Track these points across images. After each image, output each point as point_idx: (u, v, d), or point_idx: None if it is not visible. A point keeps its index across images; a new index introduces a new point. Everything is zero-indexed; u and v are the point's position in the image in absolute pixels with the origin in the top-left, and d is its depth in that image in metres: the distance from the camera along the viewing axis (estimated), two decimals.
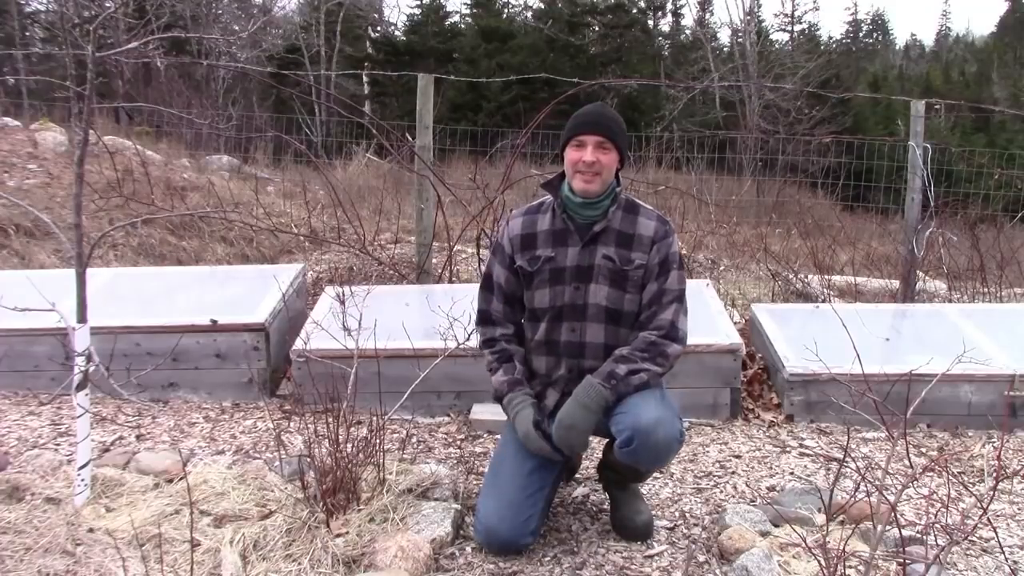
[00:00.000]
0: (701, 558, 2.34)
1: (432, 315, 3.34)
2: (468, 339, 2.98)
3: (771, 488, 2.89)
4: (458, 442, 3.27)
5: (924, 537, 2.19)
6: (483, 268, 4.71)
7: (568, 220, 2.39)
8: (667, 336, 2.34)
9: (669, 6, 31.76)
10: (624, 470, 2.44)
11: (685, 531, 2.53)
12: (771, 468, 3.08)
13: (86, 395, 2.43)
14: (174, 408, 3.61)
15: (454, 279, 5.15)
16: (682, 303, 2.39)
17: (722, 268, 6.82)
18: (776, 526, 2.42)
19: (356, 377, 2.62)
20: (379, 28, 28.47)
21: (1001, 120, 25.64)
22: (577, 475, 2.86)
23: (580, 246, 2.36)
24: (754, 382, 3.85)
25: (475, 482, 2.78)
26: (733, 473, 3.02)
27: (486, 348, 2.52)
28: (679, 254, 2.44)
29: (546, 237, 2.40)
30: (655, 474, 2.94)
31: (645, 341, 2.34)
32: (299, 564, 2.14)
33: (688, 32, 31.18)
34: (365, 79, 23.77)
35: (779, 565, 2.17)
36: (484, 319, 2.53)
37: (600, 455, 2.66)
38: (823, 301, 5.08)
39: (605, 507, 2.64)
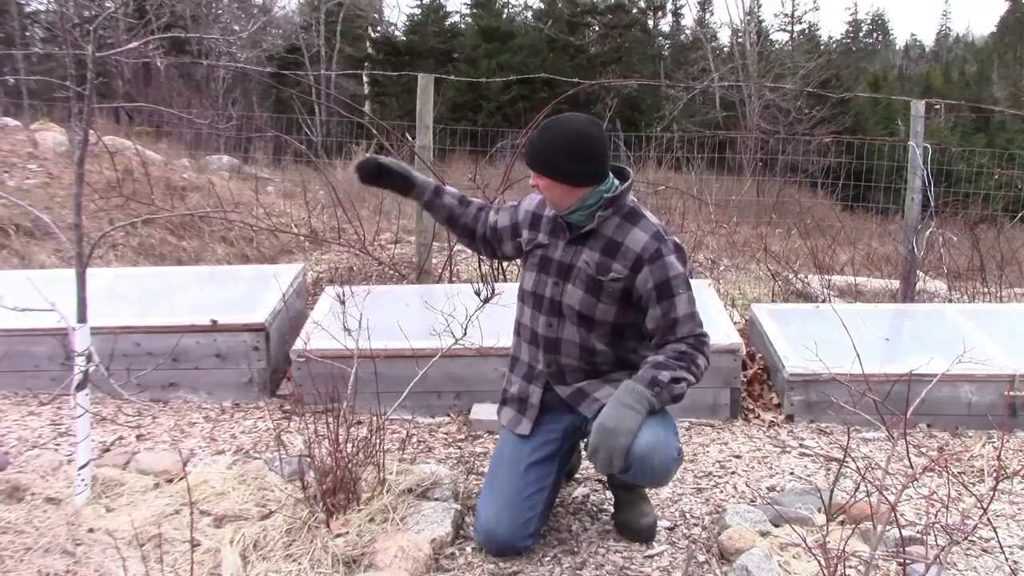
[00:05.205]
0: (701, 558, 2.35)
1: (432, 315, 3.33)
2: (465, 334, 2.98)
3: (771, 488, 2.89)
4: (458, 442, 3.27)
5: (924, 537, 2.18)
6: (483, 268, 4.75)
7: (561, 218, 2.41)
8: (695, 347, 2.28)
9: (669, 6, 31.80)
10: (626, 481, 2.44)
11: (685, 531, 2.53)
12: (771, 468, 3.08)
13: (86, 395, 2.43)
14: (174, 408, 3.61)
15: (454, 279, 5.14)
16: (697, 323, 2.30)
17: (722, 268, 6.82)
18: (776, 526, 2.42)
19: (356, 377, 2.61)
20: (379, 28, 28.49)
21: (1001, 120, 25.65)
22: (577, 475, 2.86)
23: (567, 242, 2.38)
24: (754, 382, 3.85)
25: (475, 482, 2.78)
26: (733, 473, 3.02)
27: None
28: (685, 276, 2.29)
29: (548, 225, 2.46)
30: None
31: (676, 351, 2.26)
32: (299, 564, 2.14)
33: (688, 32, 31.26)
34: (365, 79, 23.79)
35: (779, 565, 2.17)
36: (480, 207, 2.67)
37: None
38: (823, 301, 5.08)
39: (605, 507, 2.64)
